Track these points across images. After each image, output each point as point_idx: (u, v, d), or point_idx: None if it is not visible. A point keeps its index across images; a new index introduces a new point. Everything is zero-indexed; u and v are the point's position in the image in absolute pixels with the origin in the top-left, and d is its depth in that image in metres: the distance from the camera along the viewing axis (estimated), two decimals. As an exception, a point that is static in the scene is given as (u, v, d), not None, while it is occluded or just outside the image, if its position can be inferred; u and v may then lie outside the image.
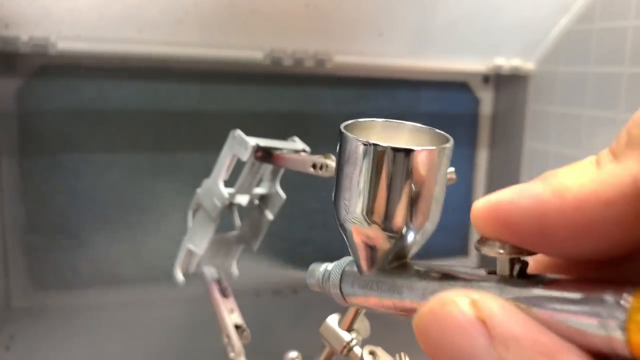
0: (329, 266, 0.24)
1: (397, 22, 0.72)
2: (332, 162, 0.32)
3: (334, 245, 0.86)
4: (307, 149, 0.42)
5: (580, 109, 0.74)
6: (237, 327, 0.43)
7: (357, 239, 0.20)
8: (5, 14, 0.61)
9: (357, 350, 0.28)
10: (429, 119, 0.89)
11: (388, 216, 0.18)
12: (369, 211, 0.18)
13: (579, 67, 0.74)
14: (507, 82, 0.88)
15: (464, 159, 0.93)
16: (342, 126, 0.20)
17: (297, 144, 0.42)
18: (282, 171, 0.42)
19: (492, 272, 0.15)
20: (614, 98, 0.68)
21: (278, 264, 0.85)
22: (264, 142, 0.40)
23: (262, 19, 0.67)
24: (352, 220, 0.19)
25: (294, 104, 0.81)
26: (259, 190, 0.44)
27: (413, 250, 0.20)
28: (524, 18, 0.76)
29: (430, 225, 0.19)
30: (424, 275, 0.18)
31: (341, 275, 0.22)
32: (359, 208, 0.19)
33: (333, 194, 0.20)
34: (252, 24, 0.67)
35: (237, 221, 0.46)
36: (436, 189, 0.18)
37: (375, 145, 0.18)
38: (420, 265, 0.19)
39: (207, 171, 0.80)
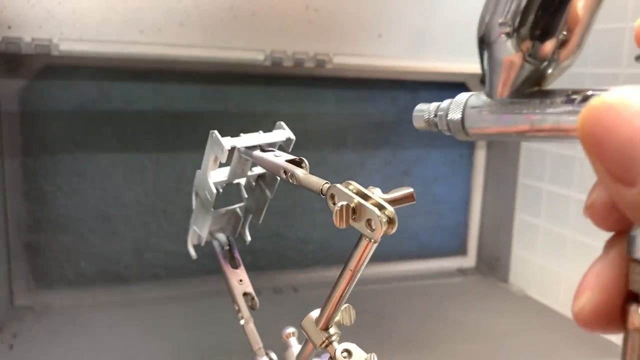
0: (441, 104, 0.23)
1: (396, 23, 0.73)
2: (299, 172, 0.31)
3: (334, 245, 0.87)
4: (292, 136, 0.42)
5: (577, 109, 0.74)
6: (245, 294, 0.44)
7: (503, 60, 0.19)
8: (8, 16, 0.62)
9: (335, 345, 0.29)
10: (428, 120, 0.90)
11: (540, 38, 0.18)
12: (524, 33, 0.18)
13: (576, 68, 0.74)
14: (505, 83, 0.89)
15: (462, 159, 0.94)
16: None
17: (281, 132, 0.42)
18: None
19: None
20: (610, 99, 0.68)
21: (278, 263, 0.86)
22: (242, 141, 0.40)
23: (263, 21, 0.68)
24: (505, 39, 0.18)
25: (294, 104, 0.82)
26: (256, 171, 0.45)
27: (551, 79, 0.20)
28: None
29: (572, 62, 0.19)
30: (566, 96, 0.18)
31: (464, 106, 0.22)
32: (512, 27, 0.18)
33: (485, 7, 0.19)
34: (253, 25, 0.68)
35: (244, 193, 0.47)
36: (588, 26, 0.18)
37: None
38: (556, 89, 0.19)
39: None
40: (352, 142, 0.86)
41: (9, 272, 0.73)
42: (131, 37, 0.65)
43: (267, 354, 0.44)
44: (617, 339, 0.68)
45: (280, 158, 0.36)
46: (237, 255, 0.47)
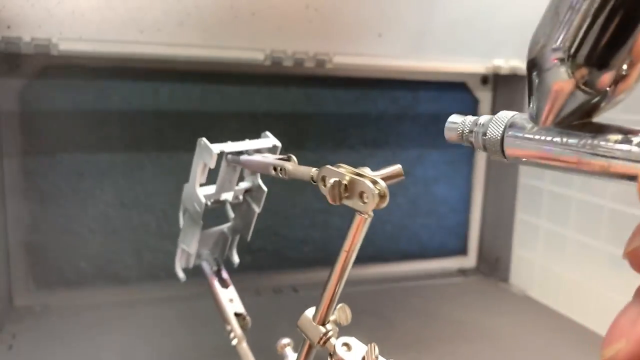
0: (480, 119, 0.22)
1: (396, 23, 0.73)
2: (290, 166, 0.32)
3: (334, 245, 0.87)
4: (278, 144, 0.42)
5: (578, 109, 0.74)
6: (237, 315, 0.44)
7: (554, 87, 0.18)
8: (8, 16, 0.61)
9: (333, 341, 0.29)
10: (428, 119, 0.90)
11: (598, 68, 0.17)
12: (580, 61, 0.17)
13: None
14: (505, 83, 0.89)
15: (462, 160, 0.93)
16: None
17: (266, 140, 0.43)
18: None
19: None
20: (611, 99, 0.68)
21: (278, 263, 0.86)
22: (230, 147, 0.41)
23: (263, 21, 0.68)
24: (558, 65, 0.17)
25: (294, 104, 0.82)
26: (243, 185, 0.45)
27: (601, 112, 0.18)
28: (523, 19, 0.76)
29: (626, 96, 0.18)
30: (621, 135, 0.17)
31: (505, 127, 0.20)
32: (568, 54, 0.17)
33: (539, 29, 0.18)
34: (252, 25, 0.68)
35: (231, 213, 0.47)
36: None
37: None
38: (606, 124, 0.18)
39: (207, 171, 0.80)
40: (352, 142, 0.86)
41: (9, 273, 0.73)
42: (131, 36, 0.65)
43: None
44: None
45: (268, 158, 0.36)
46: (225, 275, 0.47)
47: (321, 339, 0.29)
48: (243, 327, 0.44)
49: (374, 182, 0.25)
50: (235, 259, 0.48)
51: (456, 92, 0.90)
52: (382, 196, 0.24)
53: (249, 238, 0.46)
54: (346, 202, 0.26)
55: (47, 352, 0.62)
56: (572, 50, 0.17)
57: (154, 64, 0.71)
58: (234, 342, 0.43)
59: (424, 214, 0.92)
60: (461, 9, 0.73)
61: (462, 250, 0.96)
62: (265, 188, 0.45)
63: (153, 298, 0.76)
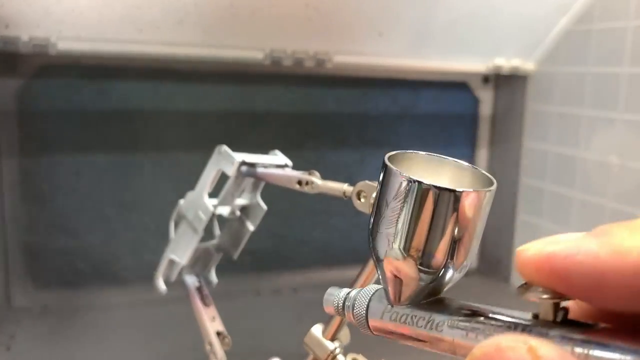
0: (351, 292, 0.23)
1: (397, 22, 0.73)
2: (317, 180, 0.32)
3: (334, 245, 0.86)
4: (290, 163, 0.43)
5: (579, 109, 0.74)
6: (218, 334, 0.44)
7: (391, 272, 0.19)
8: (6, 14, 0.61)
9: (340, 358, 0.28)
10: (429, 119, 0.90)
11: (428, 253, 0.18)
12: (408, 247, 0.18)
13: (578, 67, 0.74)
14: (506, 82, 0.88)
15: (463, 159, 0.93)
16: (386, 157, 0.19)
17: (279, 157, 0.43)
18: (262, 183, 0.43)
19: (535, 317, 0.15)
20: (612, 98, 0.68)
21: (278, 264, 0.85)
22: (249, 158, 0.41)
23: (263, 20, 0.67)
24: (390, 254, 0.19)
25: (294, 104, 0.82)
26: (240, 202, 0.44)
27: (448, 286, 0.19)
28: (524, 18, 0.76)
29: (469, 263, 0.19)
30: (464, 313, 0.18)
31: (368, 305, 0.21)
32: (398, 243, 0.18)
33: (370, 224, 0.20)
34: (252, 24, 0.67)
35: (217, 230, 0.46)
36: (478, 228, 0.18)
37: (419, 182, 0.17)
38: (454, 301, 0.19)
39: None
40: (352, 142, 0.86)
41: (7, 273, 0.72)
42: (129, 35, 0.65)
43: None
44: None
45: (290, 172, 0.36)
46: (207, 292, 0.46)
47: (329, 355, 0.29)
48: (224, 346, 0.43)
49: None
50: (214, 279, 0.48)
51: (457, 91, 0.90)
52: None
53: (235, 257, 0.45)
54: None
55: (45, 353, 0.61)
56: (402, 247, 0.18)
57: (152, 63, 0.70)
58: None
59: (424, 214, 0.91)
60: (462, 8, 0.73)
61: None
62: (264, 207, 0.44)
63: (152, 299, 0.76)
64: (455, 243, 0.18)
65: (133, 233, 0.77)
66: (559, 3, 0.74)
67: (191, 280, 0.46)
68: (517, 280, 0.88)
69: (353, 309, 0.22)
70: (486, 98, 0.91)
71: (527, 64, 0.82)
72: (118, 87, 0.74)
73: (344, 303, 0.23)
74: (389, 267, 0.19)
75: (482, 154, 0.93)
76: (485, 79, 0.90)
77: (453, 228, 0.18)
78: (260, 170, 0.40)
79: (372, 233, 0.20)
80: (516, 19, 0.76)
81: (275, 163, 0.42)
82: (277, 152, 0.43)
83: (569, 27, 0.76)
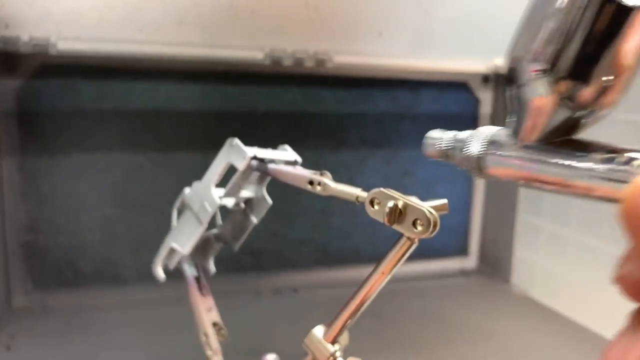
0: (460, 133, 0.21)
1: (397, 22, 0.73)
2: (329, 182, 0.32)
3: (334, 245, 0.86)
4: (299, 159, 0.42)
5: (579, 109, 0.74)
6: (214, 324, 0.43)
7: (534, 102, 0.17)
8: (6, 14, 0.61)
9: None
10: (429, 119, 0.89)
11: (580, 83, 0.16)
12: (560, 74, 0.16)
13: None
14: (506, 82, 0.88)
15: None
16: None
17: (289, 153, 0.43)
18: (269, 178, 0.43)
19: None
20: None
21: (278, 263, 0.85)
22: (261, 153, 0.41)
23: (262, 19, 0.67)
24: (537, 79, 0.16)
25: (294, 103, 0.82)
26: (246, 194, 0.44)
27: (584, 128, 0.17)
28: (524, 18, 0.76)
29: (617, 103, 0.17)
30: (601, 152, 0.16)
31: (488, 144, 0.19)
32: (550, 66, 0.16)
33: (513, 44, 0.17)
34: (252, 24, 0.67)
35: (219, 220, 0.46)
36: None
37: None
38: (588, 141, 0.17)
39: (207, 171, 0.80)
40: (352, 142, 0.86)
41: (7, 273, 0.72)
42: (129, 35, 0.65)
43: None
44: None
45: (301, 170, 0.36)
46: (205, 283, 0.46)
47: (328, 358, 0.29)
48: (220, 337, 0.43)
49: (430, 212, 0.25)
50: (212, 268, 0.47)
51: (457, 91, 0.90)
52: (435, 226, 0.25)
53: (236, 249, 0.45)
54: (396, 227, 0.26)
55: (45, 353, 0.61)
56: (551, 63, 0.16)
57: (152, 63, 0.70)
58: (209, 353, 0.42)
59: (424, 214, 0.91)
60: (462, 8, 0.73)
61: (463, 251, 0.96)
62: (270, 201, 0.44)
63: (152, 298, 0.76)
64: (608, 81, 0.15)
65: (133, 233, 0.77)
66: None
67: (190, 270, 0.46)
68: (517, 280, 0.88)
69: (463, 150, 0.20)
70: (486, 98, 0.91)
71: (527, 64, 0.82)
72: (118, 87, 0.74)
73: (450, 145, 0.21)
74: (531, 94, 0.16)
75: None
76: (485, 78, 0.90)
77: (612, 63, 0.15)
78: (270, 166, 0.39)
79: (514, 54, 0.17)
80: (516, 19, 0.76)
81: (285, 159, 0.42)
82: (287, 147, 0.43)
83: (569, 27, 0.76)
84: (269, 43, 0.70)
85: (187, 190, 0.45)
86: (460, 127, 0.86)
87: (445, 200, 0.28)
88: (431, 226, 0.25)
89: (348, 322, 0.29)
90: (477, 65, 0.82)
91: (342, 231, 0.85)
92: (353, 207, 0.95)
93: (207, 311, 0.44)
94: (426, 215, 0.25)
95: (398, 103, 0.87)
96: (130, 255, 0.78)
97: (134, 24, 0.65)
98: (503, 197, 0.90)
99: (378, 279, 0.27)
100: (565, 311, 0.77)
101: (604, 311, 0.70)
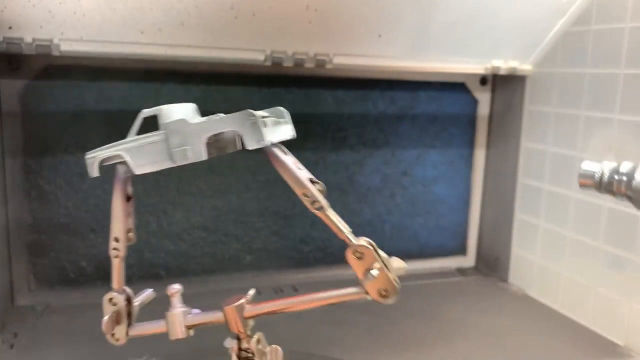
0: (622, 166, 0.20)
1: (396, 23, 0.73)
2: (328, 208, 0.32)
3: (334, 245, 0.87)
4: (294, 134, 0.41)
5: (576, 109, 0.75)
6: (128, 230, 0.43)
7: None
8: (9, 16, 0.62)
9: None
10: (428, 120, 0.90)
11: None
12: None
13: (576, 68, 0.75)
14: (504, 83, 0.89)
15: (462, 159, 0.94)
16: None
17: (286, 124, 0.41)
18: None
19: None
20: (610, 99, 0.69)
21: (278, 263, 0.86)
22: (277, 138, 0.39)
23: (263, 21, 0.68)
24: None
25: (294, 104, 0.82)
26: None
27: None
28: (522, 20, 0.77)
29: None
30: None
31: None
32: None
33: None
34: (253, 26, 0.68)
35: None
36: None
37: None
38: None
39: (207, 170, 0.81)
40: (352, 142, 0.86)
41: (10, 272, 0.73)
42: (131, 37, 0.65)
43: None
44: (617, 338, 0.68)
45: (302, 172, 0.35)
46: (130, 188, 0.44)
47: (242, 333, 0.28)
48: (129, 240, 0.42)
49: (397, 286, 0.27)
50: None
51: (455, 92, 0.91)
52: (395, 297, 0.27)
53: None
54: (365, 283, 0.27)
55: (48, 352, 0.62)
56: None
57: (154, 64, 0.71)
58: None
59: (423, 214, 0.92)
60: (460, 10, 0.73)
61: (461, 250, 0.97)
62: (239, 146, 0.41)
63: (154, 297, 0.77)
64: None
65: (135, 232, 0.78)
66: (556, 5, 0.75)
67: (122, 169, 0.45)
68: (515, 279, 0.89)
69: (629, 183, 0.19)
70: (484, 99, 0.92)
71: (524, 65, 0.83)
72: (120, 88, 0.74)
73: (611, 178, 0.20)
74: None
75: (480, 154, 0.94)
76: (484, 80, 0.91)
77: None
78: (279, 155, 0.37)
79: None
80: (514, 21, 0.76)
81: (281, 138, 0.39)
82: (282, 109, 0.41)
83: (566, 28, 0.76)
84: (270, 45, 0.71)
85: (166, 111, 0.42)
86: (459, 127, 0.86)
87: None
88: (394, 299, 0.27)
89: (267, 315, 0.29)
90: (475, 67, 0.83)
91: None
92: (353, 207, 0.96)
93: (126, 217, 0.43)
94: (395, 290, 0.26)
95: (397, 104, 0.88)
96: (132, 255, 0.78)
97: (135, 25, 0.65)
98: (501, 196, 0.90)
99: (315, 304, 0.28)
100: (563, 309, 0.78)
101: (601, 309, 0.71)
